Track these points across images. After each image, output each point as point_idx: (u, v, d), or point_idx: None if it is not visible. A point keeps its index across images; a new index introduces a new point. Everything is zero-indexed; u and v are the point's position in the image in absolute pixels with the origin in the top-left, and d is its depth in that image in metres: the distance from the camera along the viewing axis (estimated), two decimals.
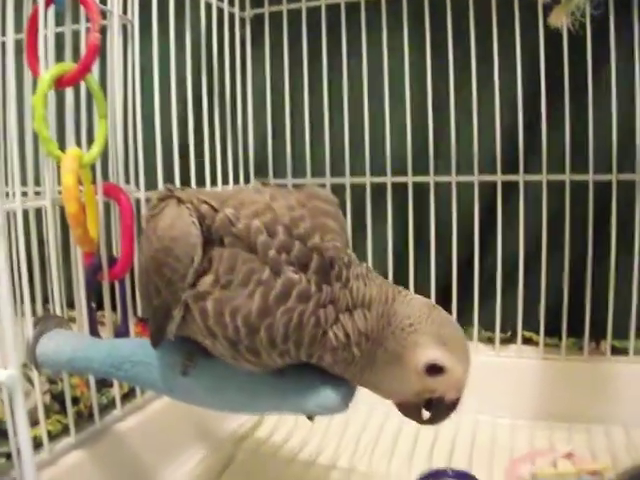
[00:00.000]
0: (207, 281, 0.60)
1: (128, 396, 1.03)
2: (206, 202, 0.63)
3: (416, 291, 1.21)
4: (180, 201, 0.64)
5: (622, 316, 1.16)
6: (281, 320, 0.59)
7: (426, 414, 0.65)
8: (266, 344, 0.60)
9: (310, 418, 0.72)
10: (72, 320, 0.96)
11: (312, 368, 0.64)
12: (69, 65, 0.87)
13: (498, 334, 1.24)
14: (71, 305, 1.01)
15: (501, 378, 1.21)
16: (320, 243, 0.61)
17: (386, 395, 0.64)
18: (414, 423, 1.15)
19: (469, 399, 1.17)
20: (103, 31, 1.04)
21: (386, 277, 1.26)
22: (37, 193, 0.97)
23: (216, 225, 0.62)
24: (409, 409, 0.65)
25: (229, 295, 0.60)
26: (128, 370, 0.70)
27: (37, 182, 0.97)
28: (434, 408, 0.64)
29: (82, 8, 0.92)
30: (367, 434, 1.16)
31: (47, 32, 0.93)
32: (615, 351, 1.19)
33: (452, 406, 0.64)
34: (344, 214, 1.23)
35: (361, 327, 0.60)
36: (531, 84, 1.17)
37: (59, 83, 0.86)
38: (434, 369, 0.61)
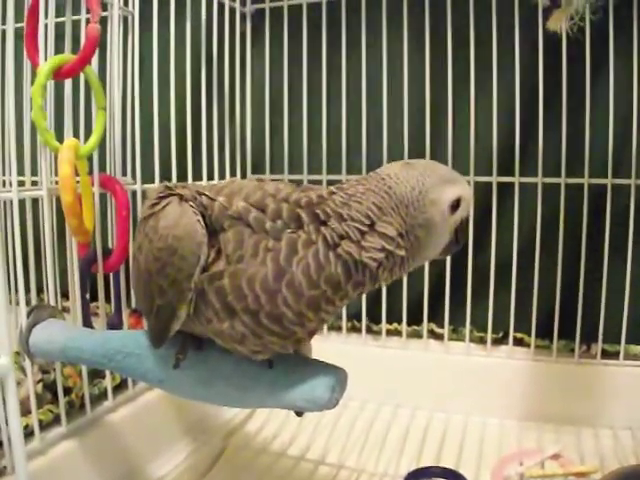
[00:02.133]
0: (220, 264, 0.61)
1: (120, 387, 1.03)
2: (203, 193, 0.64)
3: (409, 291, 1.24)
4: (182, 198, 0.64)
5: (614, 320, 1.16)
6: (298, 270, 0.60)
7: None
8: (292, 301, 0.60)
9: (299, 414, 0.72)
10: (66, 311, 0.96)
11: (303, 364, 0.65)
12: (68, 56, 0.87)
13: (490, 334, 1.24)
14: (65, 296, 1.01)
15: (492, 378, 1.22)
16: (296, 196, 0.63)
17: (435, 256, 0.70)
18: (403, 420, 1.17)
19: (459, 398, 1.20)
20: (103, 23, 1.04)
21: None
22: (34, 183, 0.97)
23: (215, 213, 0.63)
24: (446, 249, 0.69)
25: (243, 267, 0.60)
26: (120, 361, 0.70)
27: (34, 173, 0.97)
28: (459, 233, 0.69)
29: None
30: (357, 431, 1.17)
31: (47, 22, 0.93)
32: (606, 355, 1.19)
33: (468, 220, 0.70)
34: None
35: (391, 234, 0.62)
36: (529, 87, 1.17)
37: (58, 74, 0.86)
38: (455, 205, 0.66)
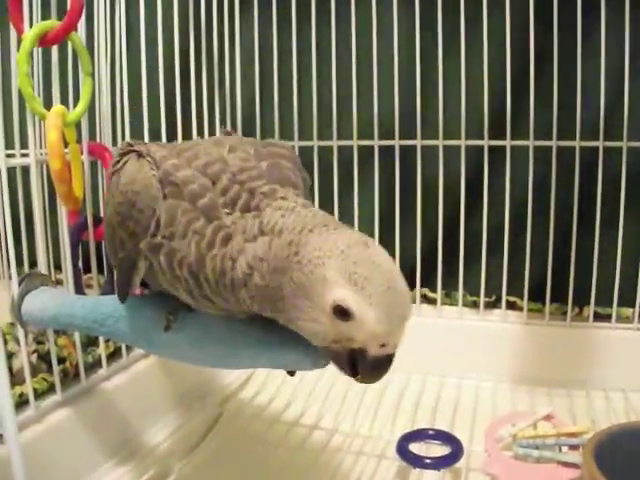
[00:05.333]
0: (159, 235, 0.62)
1: (114, 355, 1.04)
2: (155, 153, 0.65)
3: (401, 254, 1.25)
4: (140, 155, 0.66)
5: (606, 283, 1.17)
6: (209, 267, 0.59)
7: None
8: (210, 292, 0.61)
9: (291, 373, 0.72)
10: (60, 283, 0.96)
11: None
12: (54, 23, 0.86)
13: (483, 298, 1.25)
14: (59, 268, 1.01)
15: (485, 342, 1.23)
16: (254, 184, 0.62)
17: (306, 335, 0.58)
18: (397, 385, 1.18)
19: (453, 362, 1.21)
20: None
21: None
22: (24, 155, 0.97)
23: (159, 176, 0.63)
24: (335, 358, 0.58)
25: (175, 247, 0.61)
26: (111, 325, 0.70)
27: (24, 146, 0.97)
28: (358, 361, 0.57)
29: None
30: (351, 396, 1.17)
31: None
32: (598, 317, 1.20)
33: (376, 364, 0.56)
34: (331, 177, 1.25)
35: (260, 253, 0.57)
36: (520, 48, 1.16)
37: (43, 41, 0.85)
38: (341, 312, 0.54)
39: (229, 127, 1.31)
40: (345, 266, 0.54)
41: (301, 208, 0.60)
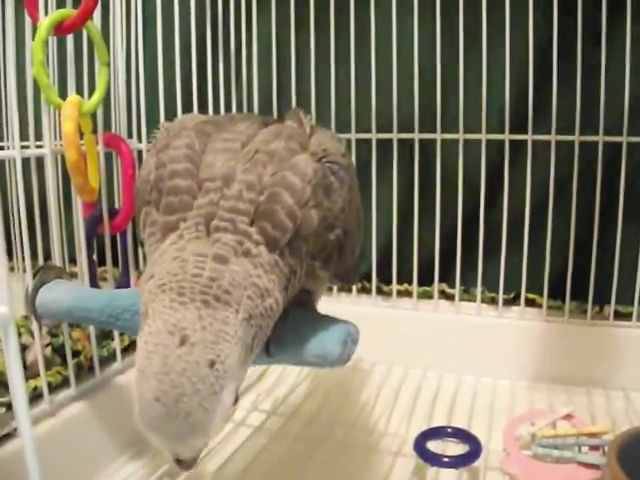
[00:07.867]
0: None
1: (128, 349, 1.03)
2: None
3: (419, 251, 1.23)
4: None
5: (627, 281, 1.15)
6: None
7: None
8: None
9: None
10: (73, 275, 0.96)
11: (313, 319, 0.63)
12: (69, 11, 0.85)
13: (502, 295, 1.23)
14: (73, 261, 1.01)
15: (503, 339, 1.21)
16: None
17: None
18: (414, 381, 1.17)
19: (470, 359, 1.19)
20: None
21: (390, 235, 1.25)
22: (39, 147, 0.96)
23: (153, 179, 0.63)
24: None
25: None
26: (127, 320, 0.69)
27: (38, 137, 0.96)
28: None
29: None
30: (367, 392, 1.16)
31: None
32: (618, 316, 1.18)
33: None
34: None
35: None
36: (543, 42, 1.14)
37: (59, 29, 0.84)
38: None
39: None
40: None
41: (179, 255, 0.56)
